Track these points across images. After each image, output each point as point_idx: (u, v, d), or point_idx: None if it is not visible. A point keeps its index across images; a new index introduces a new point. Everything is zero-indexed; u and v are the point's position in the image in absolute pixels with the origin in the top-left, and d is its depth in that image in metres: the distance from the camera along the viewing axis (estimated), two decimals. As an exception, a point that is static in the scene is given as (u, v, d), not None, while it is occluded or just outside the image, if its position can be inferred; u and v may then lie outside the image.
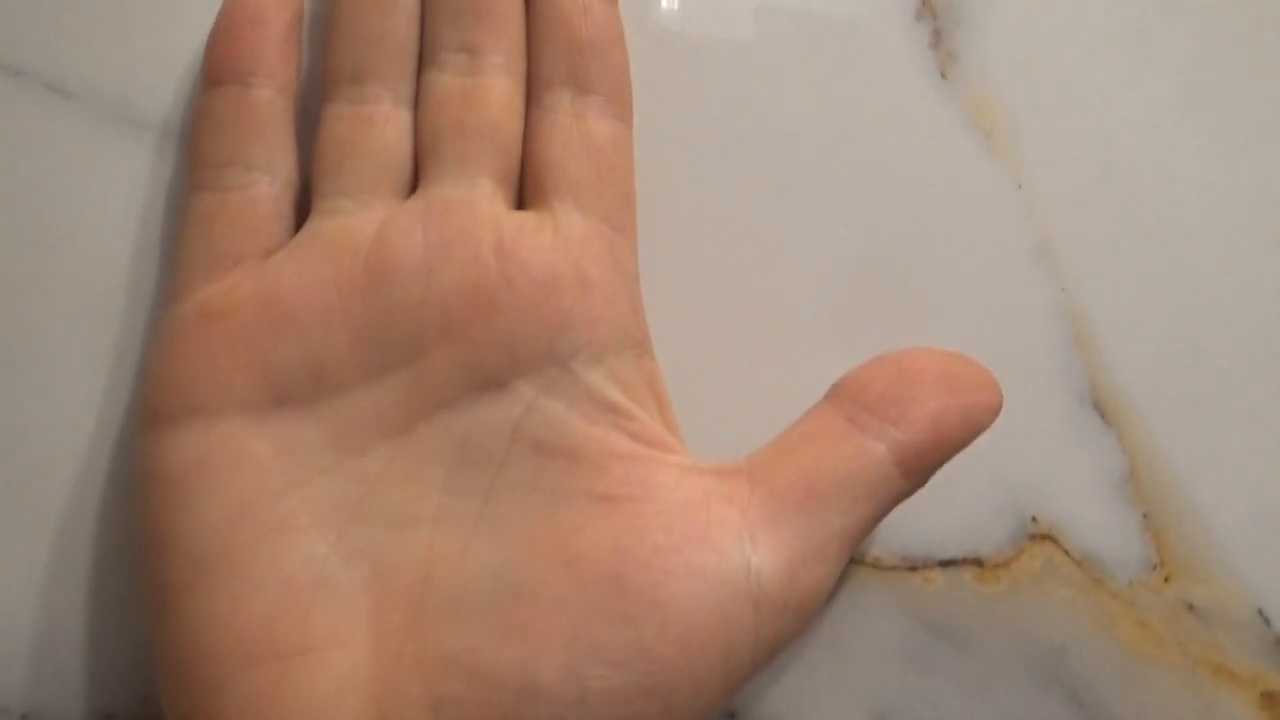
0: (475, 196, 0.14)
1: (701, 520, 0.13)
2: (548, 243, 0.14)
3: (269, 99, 0.14)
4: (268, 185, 0.14)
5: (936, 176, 0.17)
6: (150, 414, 0.14)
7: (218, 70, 0.15)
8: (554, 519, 0.13)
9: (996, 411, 0.14)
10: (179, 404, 0.13)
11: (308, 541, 0.13)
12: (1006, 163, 0.18)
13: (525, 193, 0.15)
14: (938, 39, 0.18)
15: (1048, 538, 0.17)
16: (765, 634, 0.13)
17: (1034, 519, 0.17)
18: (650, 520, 0.13)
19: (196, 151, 0.15)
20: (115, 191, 0.16)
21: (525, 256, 0.14)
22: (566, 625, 0.12)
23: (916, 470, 0.13)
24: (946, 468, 0.14)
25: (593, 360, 0.14)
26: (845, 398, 0.14)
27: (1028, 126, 0.18)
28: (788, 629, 0.13)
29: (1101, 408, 0.17)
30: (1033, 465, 0.17)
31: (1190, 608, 0.17)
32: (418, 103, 0.15)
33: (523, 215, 0.14)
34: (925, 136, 0.17)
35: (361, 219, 0.14)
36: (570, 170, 0.14)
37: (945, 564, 0.17)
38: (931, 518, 0.17)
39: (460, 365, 0.14)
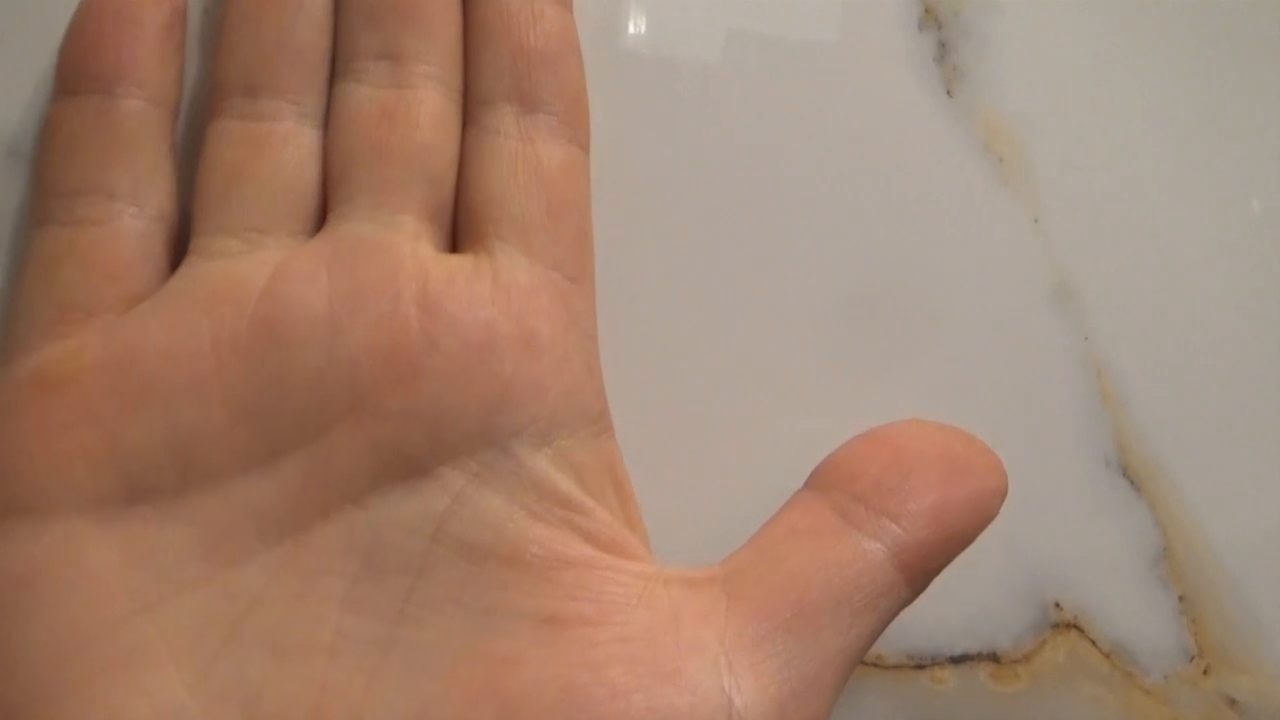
0: (395, 236, 0.12)
1: (670, 649, 0.11)
2: (485, 294, 0.12)
3: (138, 112, 0.12)
4: (132, 219, 0.12)
5: (942, 209, 0.16)
6: (-33, 513, 0.11)
7: (74, 76, 0.12)
8: (485, 647, 0.11)
9: (1003, 498, 0.12)
10: (2, 499, 0.11)
11: (160, 683, 0.10)
12: (1021, 193, 0.16)
13: (459, 232, 0.13)
14: (943, 52, 0.16)
15: (1073, 626, 0.15)
16: (751, 796, 0.10)
17: (1057, 605, 0.15)
18: (607, 650, 0.11)
19: (45, 176, 0.12)
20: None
21: (456, 311, 0.11)
22: None
23: (921, 575, 0.12)
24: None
25: (539, 441, 0.11)
26: (833, 485, 0.12)
27: (1045, 152, 0.16)
28: (778, 785, 0.10)
29: (1131, 473, 0.15)
30: (1054, 542, 0.15)
31: (1233, 703, 0.15)
32: (328, 121, 0.12)
33: (454, 260, 0.12)
34: (930, 163, 0.15)
35: (250, 263, 0.12)
36: (514, 205, 0.12)
37: (957, 660, 0.15)
38: (940, 607, 0.15)
39: (371, 448, 0.11)
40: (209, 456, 0.11)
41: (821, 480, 0.12)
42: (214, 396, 0.11)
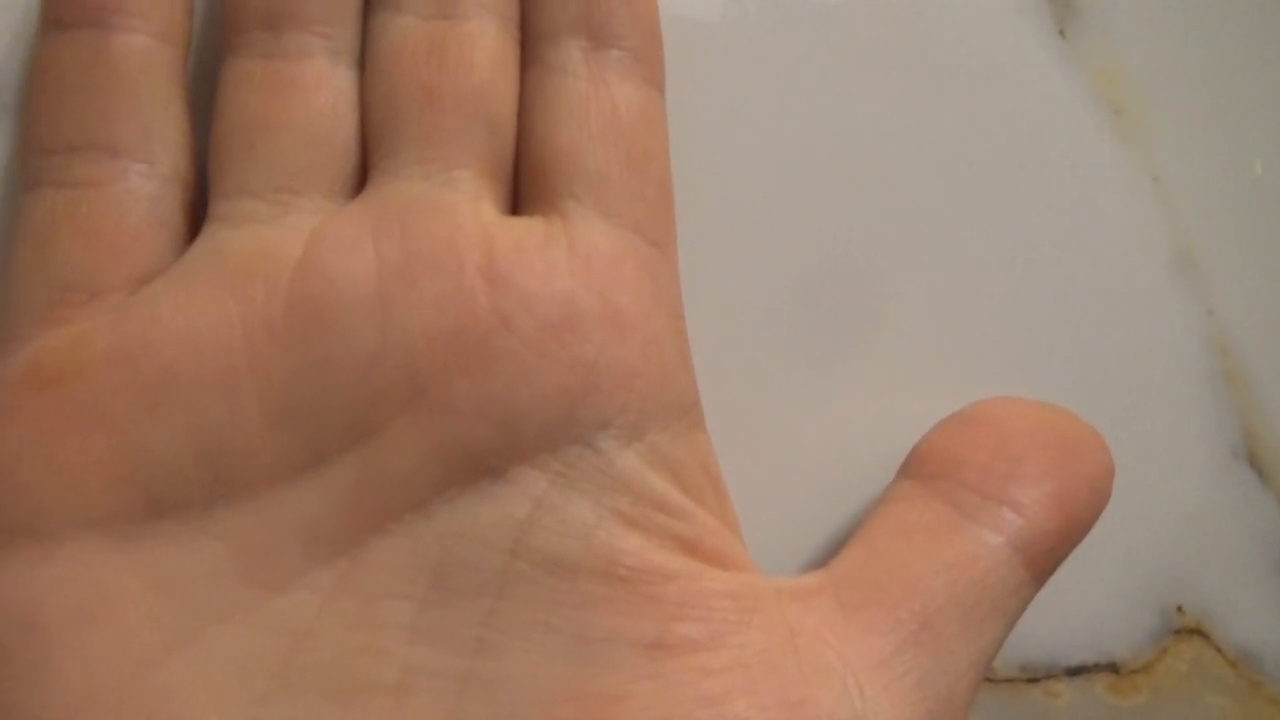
0: (452, 196, 0.10)
1: (793, 673, 0.09)
2: (561, 263, 0.10)
3: (142, 49, 0.10)
4: (141, 179, 0.10)
5: (1050, 167, 0.14)
6: (-44, 535, 0.09)
7: (63, 6, 0.10)
8: (582, 681, 0.09)
9: (1113, 477, 0.12)
10: (1, 520, 0.09)
11: None
12: (1139, 150, 0.14)
13: (522, 191, 0.11)
14: (1054, -14, 0.14)
15: (1196, 632, 0.14)
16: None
17: (1179, 609, 0.14)
18: (724, 679, 0.09)
19: (35, 130, 0.10)
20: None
21: (529, 284, 0.10)
22: None
23: (1046, 568, 0.11)
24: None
25: (629, 434, 0.10)
26: (938, 474, 0.11)
27: (1167, 103, 0.14)
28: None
29: (1258, 463, 0.14)
30: (1174, 541, 0.14)
31: (1367, 713, 0.14)
32: (366, 59, 0.11)
33: (522, 223, 0.10)
34: (1037, 113, 0.14)
35: (282, 229, 0.10)
36: (589, 158, 0.10)
37: (1073, 672, 0.13)
38: (1054, 615, 0.13)
39: (434, 448, 0.10)
40: (243, 463, 0.09)
41: (921, 469, 0.11)
42: (247, 391, 0.09)
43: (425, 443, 0.09)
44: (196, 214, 0.10)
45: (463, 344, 0.09)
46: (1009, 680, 0.13)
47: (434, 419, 0.09)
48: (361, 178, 0.11)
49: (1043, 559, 0.11)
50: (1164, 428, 0.14)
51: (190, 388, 0.09)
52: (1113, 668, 0.14)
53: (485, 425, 0.09)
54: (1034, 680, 0.13)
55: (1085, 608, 0.14)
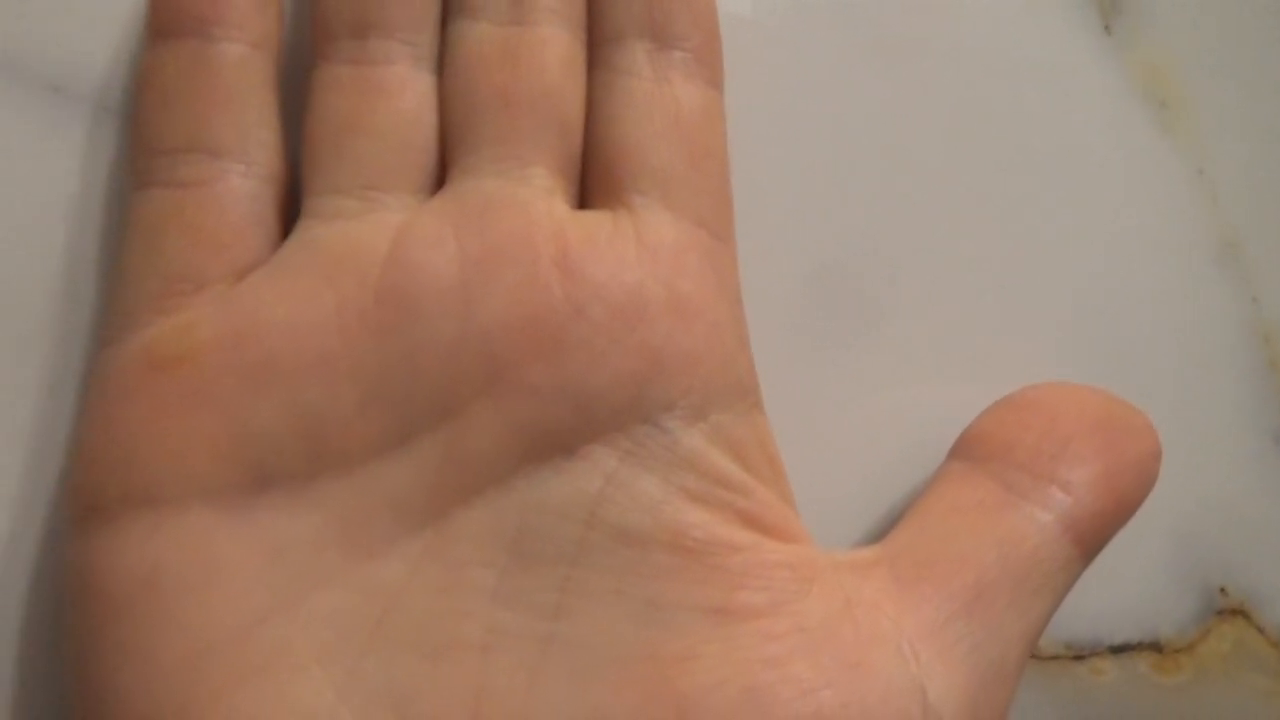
0: (527, 192, 0.11)
1: (850, 639, 0.10)
2: (630, 255, 0.10)
3: (240, 58, 0.11)
4: (240, 178, 0.11)
5: (1095, 158, 0.14)
6: (81, 505, 0.10)
7: (167, 18, 0.11)
8: (653, 643, 0.10)
9: (1160, 460, 0.12)
10: (119, 491, 0.10)
11: (308, 688, 0.09)
12: (1184, 142, 0.14)
13: (589, 186, 0.11)
14: (1099, -18, 0.14)
15: (1239, 613, 0.14)
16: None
17: (1222, 590, 0.14)
18: (786, 643, 0.10)
19: (141, 133, 0.11)
20: (36, 186, 0.12)
21: (600, 275, 0.10)
22: None
23: (1093, 546, 0.11)
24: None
25: (693, 415, 0.10)
26: (988, 456, 0.11)
27: (1211, 96, 0.14)
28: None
29: None
30: (1218, 523, 0.14)
31: None
32: (444, 63, 0.11)
33: (592, 217, 0.11)
34: (1082, 107, 0.14)
35: (370, 225, 0.11)
36: (655, 155, 0.11)
37: (1117, 650, 0.14)
38: (1099, 594, 0.14)
39: (513, 426, 0.10)
40: (340, 439, 0.10)
41: (972, 450, 0.12)
42: (342, 374, 0.10)
43: (504, 422, 0.10)
44: (289, 211, 0.11)
45: (538, 331, 0.10)
46: (1055, 657, 0.14)
47: (512, 401, 0.10)
48: (441, 175, 0.11)
49: (1090, 537, 0.11)
50: (1209, 413, 0.14)
51: (290, 370, 0.10)
52: (1156, 647, 0.14)
53: (559, 406, 0.10)
54: (1079, 658, 0.14)
55: (1130, 588, 0.14)
